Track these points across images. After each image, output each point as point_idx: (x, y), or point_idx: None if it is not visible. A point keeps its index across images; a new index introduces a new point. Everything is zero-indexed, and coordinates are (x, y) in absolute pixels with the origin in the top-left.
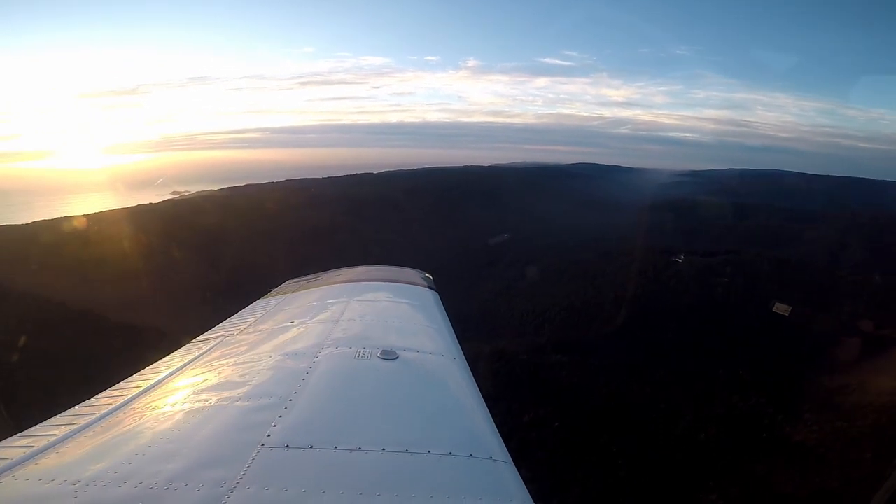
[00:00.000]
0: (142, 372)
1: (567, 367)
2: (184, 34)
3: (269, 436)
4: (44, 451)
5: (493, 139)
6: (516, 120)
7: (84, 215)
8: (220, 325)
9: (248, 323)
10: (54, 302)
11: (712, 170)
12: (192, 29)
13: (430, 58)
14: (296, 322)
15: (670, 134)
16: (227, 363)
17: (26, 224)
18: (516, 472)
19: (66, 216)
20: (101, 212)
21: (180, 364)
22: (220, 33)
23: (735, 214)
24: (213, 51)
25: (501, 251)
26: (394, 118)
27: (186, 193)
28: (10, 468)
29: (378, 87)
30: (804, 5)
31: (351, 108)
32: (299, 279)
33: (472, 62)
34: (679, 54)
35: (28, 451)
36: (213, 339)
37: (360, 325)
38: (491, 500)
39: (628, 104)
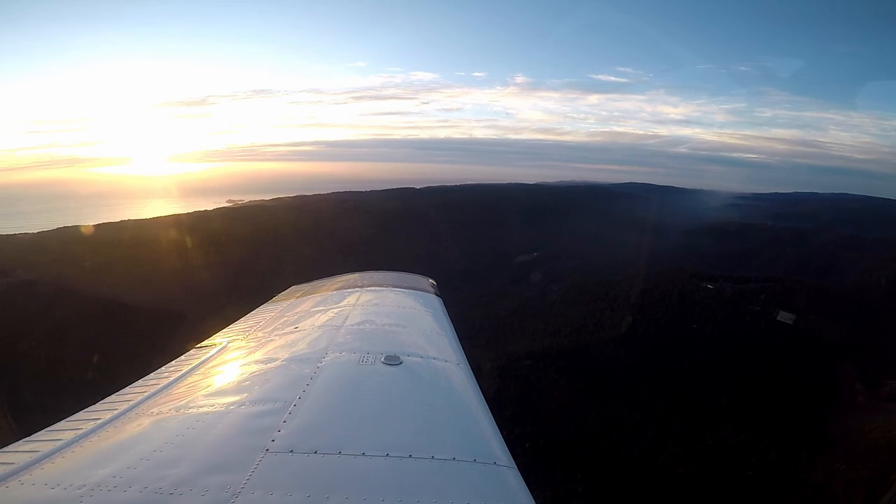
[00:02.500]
0: (146, 377)
1: (560, 387)
2: (250, 48)
3: (273, 441)
4: (49, 455)
5: (541, 157)
6: (566, 138)
7: (143, 219)
8: (225, 329)
9: (252, 328)
10: (90, 295)
11: (776, 193)
12: (257, 43)
13: (477, 74)
14: (300, 327)
15: (733, 154)
16: (232, 368)
17: (93, 225)
18: (520, 477)
19: (127, 219)
20: (159, 216)
21: (185, 369)
22: (282, 47)
23: (790, 240)
24: (275, 64)
25: (528, 269)
26: (441, 134)
27: (240, 202)
28: (16, 472)
29: (427, 103)
30: (882, 16)
31: (401, 123)
32: (304, 284)
33: (520, 78)
34: (743, 71)
35: (34, 455)
36: (217, 344)
37: (364, 329)
38: None
39: (687, 122)
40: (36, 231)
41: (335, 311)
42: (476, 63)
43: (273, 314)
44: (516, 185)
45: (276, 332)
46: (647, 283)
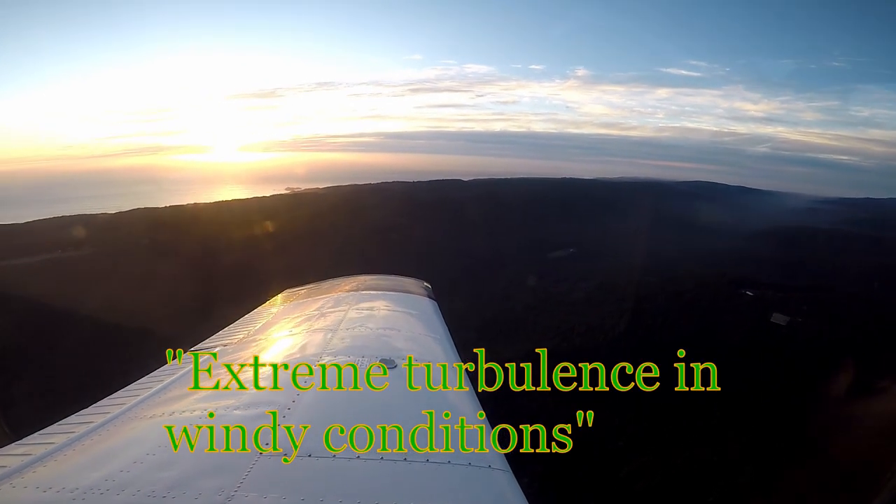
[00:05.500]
0: (140, 381)
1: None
2: (315, 42)
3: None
4: (42, 458)
5: (604, 152)
6: (632, 133)
7: (209, 203)
8: (220, 333)
9: (247, 332)
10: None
11: (867, 198)
12: (322, 37)
13: (534, 66)
14: (294, 331)
15: (821, 156)
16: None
17: (162, 207)
18: (515, 481)
19: (193, 203)
20: (225, 200)
21: (180, 373)
22: (345, 41)
23: (864, 249)
24: (337, 58)
25: (559, 265)
26: (497, 127)
27: (297, 189)
28: (8, 476)
29: (482, 96)
30: None
31: (455, 115)
32: (298, 288)
33: (581, 71)
34: (835, 66)
35: (26, 458)
36: (211, 347)
37: (359, 333)
38: None
39: (768, 120)
40: (114, 212)
41: (329, 315)
42: (533, 55)
43: (267, 318)
44: (570, 179)
45: (270, 337)
46: (681, 287)
